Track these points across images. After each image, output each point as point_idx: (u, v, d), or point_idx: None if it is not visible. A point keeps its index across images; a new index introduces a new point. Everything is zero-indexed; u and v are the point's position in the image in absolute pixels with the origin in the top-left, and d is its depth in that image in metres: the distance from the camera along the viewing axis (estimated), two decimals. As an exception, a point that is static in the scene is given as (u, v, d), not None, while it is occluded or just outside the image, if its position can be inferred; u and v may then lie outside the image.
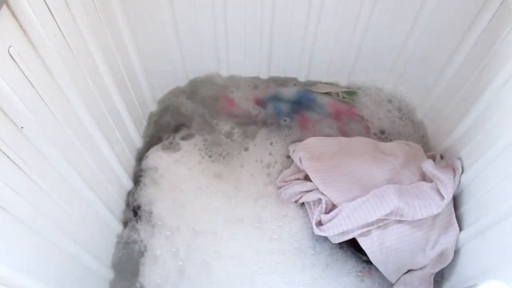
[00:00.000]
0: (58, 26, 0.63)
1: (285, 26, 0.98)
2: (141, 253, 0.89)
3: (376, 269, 0.84)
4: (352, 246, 0.87)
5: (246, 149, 1.02)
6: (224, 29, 0.98)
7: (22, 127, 0.56)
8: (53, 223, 0.65)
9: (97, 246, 0.84)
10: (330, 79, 1.14)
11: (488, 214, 0.73)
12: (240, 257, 0.87)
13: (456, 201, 0.84)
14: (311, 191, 0.90)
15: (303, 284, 0.85)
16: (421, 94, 1.05)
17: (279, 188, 0.95)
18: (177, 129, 1.06)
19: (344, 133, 1.05)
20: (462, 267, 0.80)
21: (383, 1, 0.90)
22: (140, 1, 0.87)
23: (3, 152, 0.53)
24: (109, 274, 0.86)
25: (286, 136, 1.05)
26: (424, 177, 0.89)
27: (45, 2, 0.59)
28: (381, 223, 0.81)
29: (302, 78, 1.14)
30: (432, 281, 0.83)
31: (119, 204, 0.93)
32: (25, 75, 0.57)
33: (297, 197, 0.92)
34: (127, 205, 0.95)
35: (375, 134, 1.06)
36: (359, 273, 0.86)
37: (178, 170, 0.99)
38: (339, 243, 0.87)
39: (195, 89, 1.14)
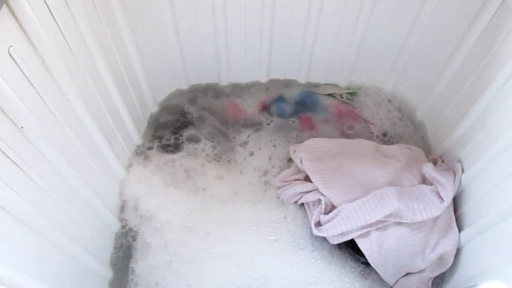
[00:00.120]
0: (58, 26, 0.63)
1: (285, 26, 0.98)
2: (130, 247, 0.89)
3: (375, 271, 0.83)
4: (351, 248, 0.86)
5: (252, 154, 1.02)
6: (224, 29, 0.98)
7: (22, 127, 0.56)
8: (53, 223, 0.65)
9: (97, 246, 0.84)
10: (330, 80, 1.14)
11: (488, 214, 0.73)
12: (233, 258, 0.87)
13: (456, 201, 0.84)
14: (311, 191, 0.90)
15: (301, 285, 0.84)
16: (421, 94, 1.05)
17: (279, 188, 0.95)
18: (177, 129, 1.06)
19: (346, 135, 1.06)
20: (462, 267, 0.80)
21: (383, 1, 0.90)
22: (140, 1, 0.87)
23: (3, 152, 0.53)
24: (109, 274, 0.86)
25: (292, 138, 1.04)
26: (425, 181, 0.88)
27: (45, 2, 0.59)
28: (381, 224, 0.81)
29: (302, 80, 1.14)
30: (430, 285, 0.83)
31: (119, 204, 0.93)
32: (25, 75, 0.57)
33: (297, 198, 0.92)
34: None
35: (377, 136, 1.06)
36: (358, 275, 0.85)
37: (176, 169, 0.99)
38: (338, 244, 0.87)
39: (196, 89, 1.14)
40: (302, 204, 0.93)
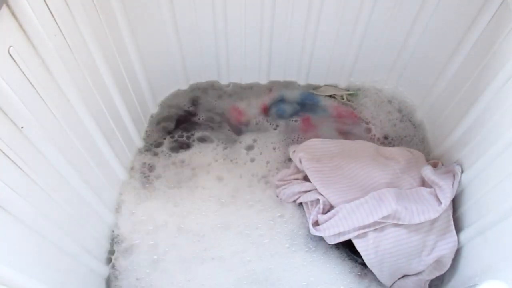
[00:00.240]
0: (58, 26, 0.63)
1: (285, 26, 0.98)
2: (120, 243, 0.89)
3: (371, 272, 0.83)
4: (348, 248, 0.86)
5: (252, 160, 1.01)
6: (224, 29, 0.98)
7: (22, 127, 0.56)
8: (53, 223, 0.65)
9: (97, 246, 0.84)
10: (330, 81, 1.14)
11: (488, 214, 0.73)
12: (224, 261, 0.87)
13: (456, 201, 0.84)
14: (309, 191, 0.90)
15: (297, 286, 0.84)
16: (421, 94, 1.05)
17: (278, 187, 0.95)
18: (177, 129, 1.06)
19: (346, 136, 1.06)
20: (462, 267, 0.80)
21: (383, 1, 0.90)
22: (140, 1, 0.87)
23: (3, 152, 0.53)
24: (107, 272, 0.86)
25: (292, 140, 1.04)
26: (424, 184, 0.88)
27: (45, 2, 0.59)
28: (378, 226, 0.81)
29: (302, 82, 1.14)
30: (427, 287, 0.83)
31: (120, 204, 0.93)
32: (25, 75, 0.57)
33: (295, 197, 0.92)
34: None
35: (378, 139, 1.06)
36: (354, 276, 0.85)
37: (183, 169, 0.99)
38: (335, 244, 0.87)
39: (196, 89, 1.14)
40: (301, 204, 0.93)
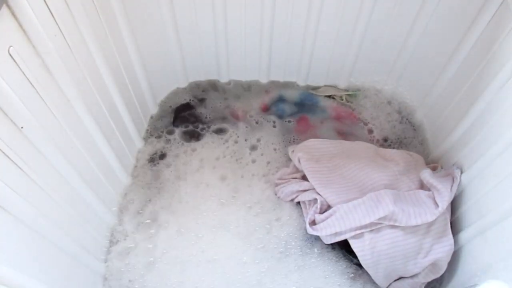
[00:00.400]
0: (58, 26, 0.63)
1: (285, 26, 0.98)
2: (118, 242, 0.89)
3: (367, 273, 0.83)
4: (344, 248, 0.86)
5: (253, 161, 1.01)
6: (224, 29, 0.98)
7: (22, 127, 0.56)
8: (53, 223, 0.65)
9: (98, 246, 0.84)
10: (330, 81, 1.14)
11: (488, 214, 0.73)
12: (219, 264, 0.87)
13: (456, 201, 0.84)
14: (307, 190, 0.90)
15: (293, 285, 0.84)
16: (420, 94, 1.05)
17: (277, 185, 0.95)
18: (177, 129, 1.06)
19: (345, 137, 1.05)
20: (462, 267, 0.80)
21: (383, 1, 0.90)
22: (140, 1, 0.87)
23: (3, 152, 0.53)
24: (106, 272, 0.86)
25: (290, 141, 1.04)
26: (422, 187, 0.88)
27: (45, 2, 0.59)
28: (375, 227, 0.81)
29: (301, 82, 1.14)
30: None
31: (120, 204, 0.93)
32: (25, 75, 0.57)
33: (293, 196, 0.92)
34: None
35: (377, 140, 1.05)
36: (350, 276, 0.85)
37: (177, 170, 0.99)
38: (331, 244, 0.87)
39: (196, 89, 1.14)
40: (299, 203, 0.93)
